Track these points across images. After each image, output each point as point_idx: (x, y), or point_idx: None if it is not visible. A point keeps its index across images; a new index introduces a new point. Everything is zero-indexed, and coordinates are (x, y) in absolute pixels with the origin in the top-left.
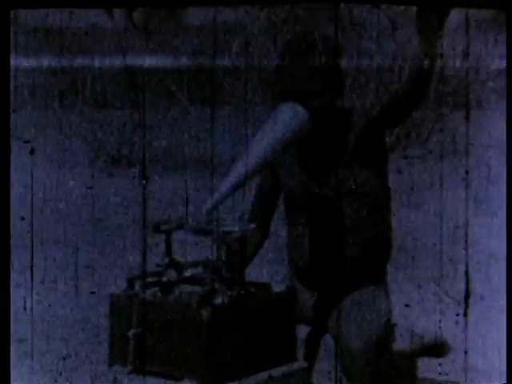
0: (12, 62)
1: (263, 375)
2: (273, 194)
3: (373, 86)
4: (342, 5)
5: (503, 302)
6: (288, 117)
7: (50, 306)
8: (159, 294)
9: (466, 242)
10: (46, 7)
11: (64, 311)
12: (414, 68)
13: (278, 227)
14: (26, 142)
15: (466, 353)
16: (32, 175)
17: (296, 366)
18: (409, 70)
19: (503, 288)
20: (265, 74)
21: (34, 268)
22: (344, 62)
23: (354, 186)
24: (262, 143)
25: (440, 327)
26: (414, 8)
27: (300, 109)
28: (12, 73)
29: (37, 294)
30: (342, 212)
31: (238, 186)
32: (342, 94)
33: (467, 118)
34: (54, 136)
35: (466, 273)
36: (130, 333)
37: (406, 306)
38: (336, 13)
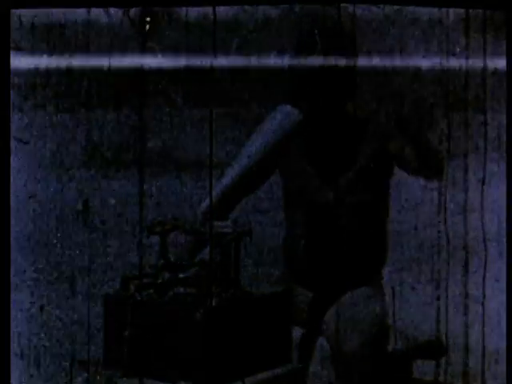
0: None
1: (258, 377)
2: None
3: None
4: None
5: (503, 303)
6: (282, 119)
7: (45, 306)
8: (154, 295)
9: (464, 242)
10: (45, 7)
11: (60, 312)
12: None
13: (275, 228)
14: (26, 143)
15: (464, 354)
16: (29, 176)
17: (290, 367)
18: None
19: (503, 288)
20: (263, 74)
21: (30, 269)
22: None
23: (354, 194)
24: (257, 145)
25: (436, 329)
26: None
27: (295, 111)
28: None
29: (33, 294)
30: (340, 216)
31: (232, 188)
32: (352, 98)
33: (466, 117)
34: (49, 137)
35: (465, 273)
36: (125, 334)
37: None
38: (337, 13)
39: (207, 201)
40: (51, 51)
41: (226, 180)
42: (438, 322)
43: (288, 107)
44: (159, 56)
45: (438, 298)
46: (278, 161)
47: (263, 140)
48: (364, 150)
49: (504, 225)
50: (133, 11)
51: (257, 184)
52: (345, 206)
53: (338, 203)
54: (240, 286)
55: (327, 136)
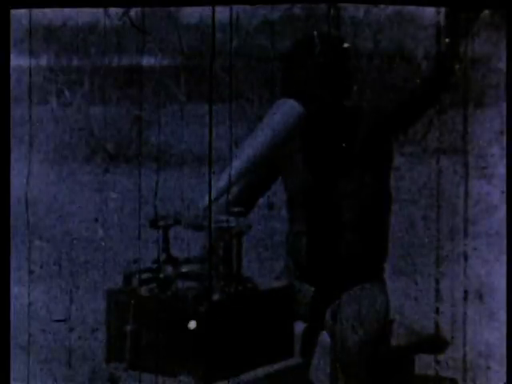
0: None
1: (260, 371)
2: (269, 180)
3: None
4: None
5: (503, 300)
6: (284, 113)
7: (47, 302)
8: (156, 290)
9: (464, 239)
10: (45, 7)
11: (61, 307)
12: (432, 69)
13: (277, 223)
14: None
15: (464, 350)
16: (29, 171)
17: (293, 362)
18: (427, 71)
19: (503, 286)
20: (263, 72)
21: (31, 264)
22: (351, 62)
23: (355, 189)
24: (259, 139)
25: (438, 324)
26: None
27: (296, 105)
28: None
29: (34, 290)
30: (342, 211)
31: (235, 183)
32: (349, 94)
33: (465, 116)
34: (51, 132)
35: (465, 270)
36: (127, 329)
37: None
38: (335, 13)
39: (208, 195)
40: (51, 50)
41: (228, 175)
42: (437, 316)
43: (290, 101)
44: (158, 53)
45: (438, 291)
46: (281, 156)
47: (266, 134)
48: (362, 139)
49: (504, 222)
50: (133, 11)
51: (265, 180)
52: (345, 200)
53: (339, 197)
54: (242, 280)
55: (324, 130)
